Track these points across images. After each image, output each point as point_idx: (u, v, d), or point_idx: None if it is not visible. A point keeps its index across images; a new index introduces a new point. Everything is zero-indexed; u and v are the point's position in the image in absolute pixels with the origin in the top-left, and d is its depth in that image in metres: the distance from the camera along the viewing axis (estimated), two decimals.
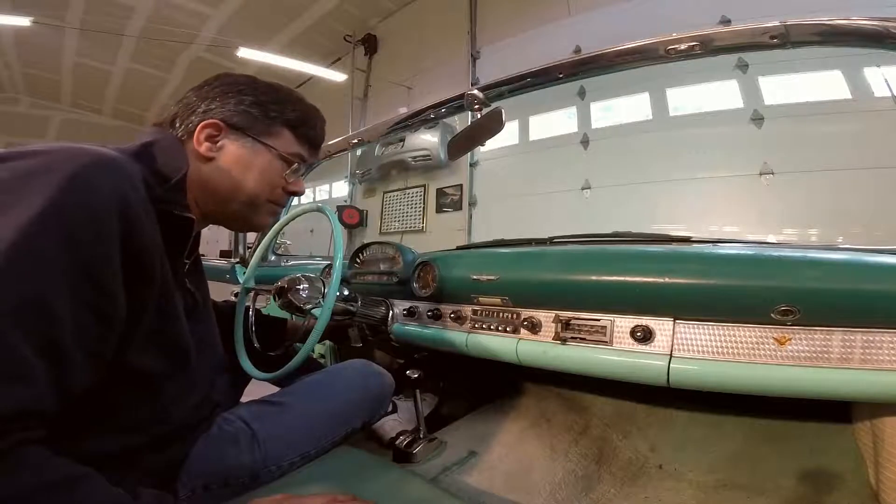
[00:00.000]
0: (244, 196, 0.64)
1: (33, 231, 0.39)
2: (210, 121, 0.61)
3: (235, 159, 0.62)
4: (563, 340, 0.88)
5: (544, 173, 3.54)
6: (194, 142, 0.60)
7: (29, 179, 0.41)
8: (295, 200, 1.75)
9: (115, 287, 0.44)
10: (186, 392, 0.60)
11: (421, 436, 1.04)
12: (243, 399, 0.89)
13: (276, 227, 1.13)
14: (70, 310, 0.41)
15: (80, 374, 0.43)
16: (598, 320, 0.85)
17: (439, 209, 4.25)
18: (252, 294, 0.98)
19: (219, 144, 0.62)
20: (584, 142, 3.32)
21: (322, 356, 1.55)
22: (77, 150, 0.45)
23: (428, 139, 4.06)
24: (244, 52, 4.66)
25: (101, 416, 0.50)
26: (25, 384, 0.38)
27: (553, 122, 3.58)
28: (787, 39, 0.74)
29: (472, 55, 4.16)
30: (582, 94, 3.34)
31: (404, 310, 1.19)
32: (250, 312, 0.93)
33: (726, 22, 2.63)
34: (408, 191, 4.57)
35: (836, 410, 0.94)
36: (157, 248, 0.49)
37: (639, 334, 0.79)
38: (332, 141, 1.51)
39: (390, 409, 1.09)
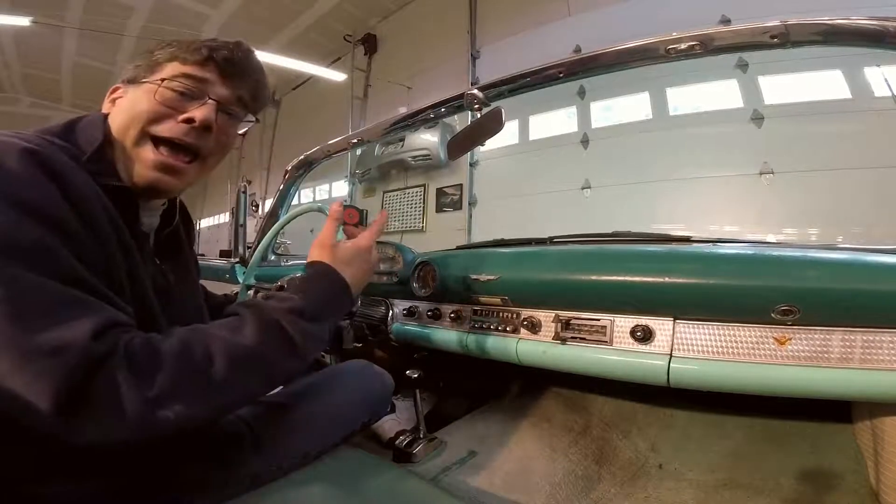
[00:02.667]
0: (118, 141, 0.58)
1: None
2: (114, 86, 0.63)
3: (120, 108, 0.60)
4: (563, 340, 0.88)
5: (544, 173, 3.54)
6: (102, 115, 0.61)
7: None
8: (295, 199, 1.76)
9: (78, 232, 0.46)
10: None
11: (421, 436, 1.04)
12: None
13: (276, 226, 1.13)
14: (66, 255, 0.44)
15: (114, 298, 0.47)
16: (598, 320, 0.85)
17: (439, 209, 4.25)
18: (251, 292, 0.98)
19: (116, 101, 0.62)
20: (584, 141, 3.32)
21: (322, 354, 1.55)
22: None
23: (428, 139, 4.07)
24: None
25: None
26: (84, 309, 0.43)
27: (553, 121, 3.58)
28: (787, 39, 0.74)
29: (471, 55, 4.16)
30: (582, 93, 3.34)
31: (404, 309, 1.19)
32: None
33: (726, 21, 2.63)
34: (408, 190, 4.57)
35: (836, 410, 0.94)
36: (102, 209, 0.50)
37: (639, 334, 0.79)
38: (332, 141, 1.51)
39: (389, 408, 1.09)
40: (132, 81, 0.62)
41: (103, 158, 0.55)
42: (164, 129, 0.58)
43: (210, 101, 0.60)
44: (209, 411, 0.49)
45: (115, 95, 0.63)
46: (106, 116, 0.61)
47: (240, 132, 0.69)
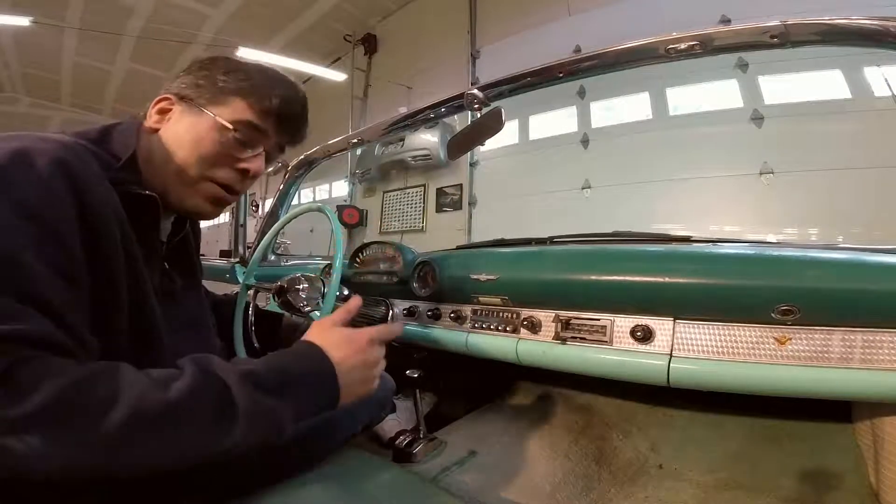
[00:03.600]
0: (174, 166, 0.59)
1: None
2: (163, 96, 0.62)
3: (175, 129, 0.60)
4: (563, 340, 0.88)
5: (544, 173, 3.54)
6: (146, 117, 0.61)
7: None
8: (295, 199, 1.76)
9: (74, 247, 0.44)
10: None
11: (421, 435, 1.04)
12: None
13: (276, 226, 1.13)
14: (38, 266, 0.41)
15: (71, 313, 0.43)
16: (598, 320, 0.85)
17: (439, 209, 4.25)
18: (252, 292, 0.97)
19: (168, 117, 0.61)
20: (584, 141, 3.32)
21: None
22: (22, 133, 0.46)
23: (428, 139, 4.07)
24: (244, 52, 4.65)
25: None
26: (13, 320, 0.38)
27: (553, 121, 3.58)
28: (787, 39, 0.74)
29: (471, 55, 4.16)
30: (582, 93, 3.34)
31: (404, 309, 1.19)
32: (250, 311, 0.93)
33: (726, 21, 2.63)
34: (408, 190, 4.58)
35: (836, 410, 0.94)
36: (114, 222, 0.49)
37: (639, 334, 0.79)
38: (332, 141, 1.51)
39: (389, 408, 1.09)
40: (187, 100, 0.61)
41: (134, 167, 0.56)
42: (222, 175, 0.61)
43: (264, 152, 0.64)
44: (84, 462, 0.38)
45: (163, 107, 0.61)
46: (140, 125, 0.61)
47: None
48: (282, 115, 0.64)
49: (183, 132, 0.60)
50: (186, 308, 0.67)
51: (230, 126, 0.60)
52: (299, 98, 0.66)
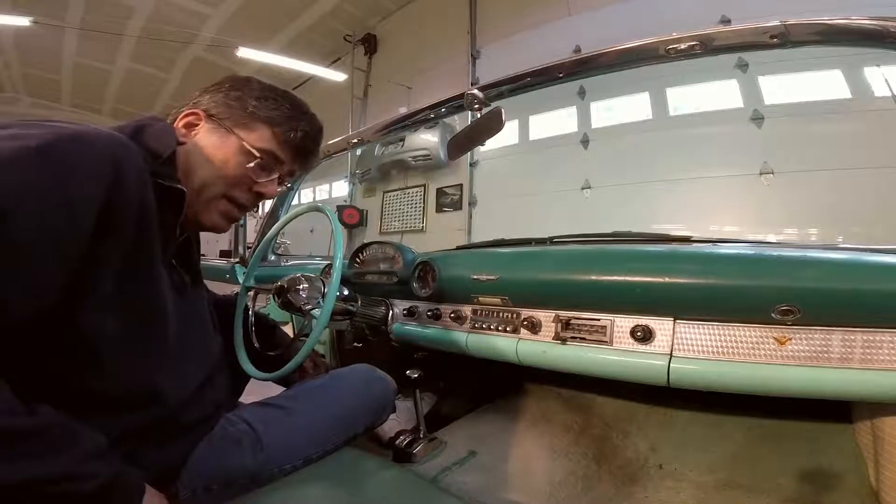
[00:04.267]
0: (198, 182, 0.62)
1: (17, 152, 0.41)
2: (191, 110, 0.64)
3: (203, 146, 0.63)
4: (563, 340, 0.88)
5: (544, 173, 3.53)
6: (174, 128, 0.63)
7: (31, 129, 0.45)
8: (295, 200, 1.75)
9: (85, 222, 0.44)
10: (177, 367, 0.60)
11: (421, 435, 1.04)
12: (243, 399, 0.89)
13: (276, 226, 1.13)
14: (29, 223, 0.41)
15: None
16: (598, 320, 0.85)
17: (439, 209, 4.25)
18: (252, 294, 0.97)
19: (194, 132, 0.63)
20: (584, 141, 3.32)
21: (322, 356, 1.55)
22: (82, 124, 0.48)
23: (428, 139, 4.06)
24: (244, 52, 4.66)
25: (91, 383, 0.50)
26: None
27: (553, 121, 3.58)
28: (787, 39, 0.74)
29: (471, 55, 4.16)
30: (582, 93, 3.34)
31: (404, 310, 1.19)
32: (250, 312, 0.93)
33: (726, 21, 2.63)
34: (408, 190, 4.57)
35: (836, 410, 0.94)
36: (139, 211, 0.50)
37: (639, 334, 0.79)
38: (331, 141, 1.51)
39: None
40: (216, 119, 0.63)
41: (172, 164, 0.58)
42: (239, 195, 0.66)
43: (277, 177, 0.69)
44: None
45: (190, 122, 0.64)
46: (175, 128, 0.63)
47: None
48: (300, 149, 0.69)
49: (211, 150, 0.63)
50: (193, 304, 0.69)
51: (256, 153, 0.64)
52: (318, 132, 0.71)
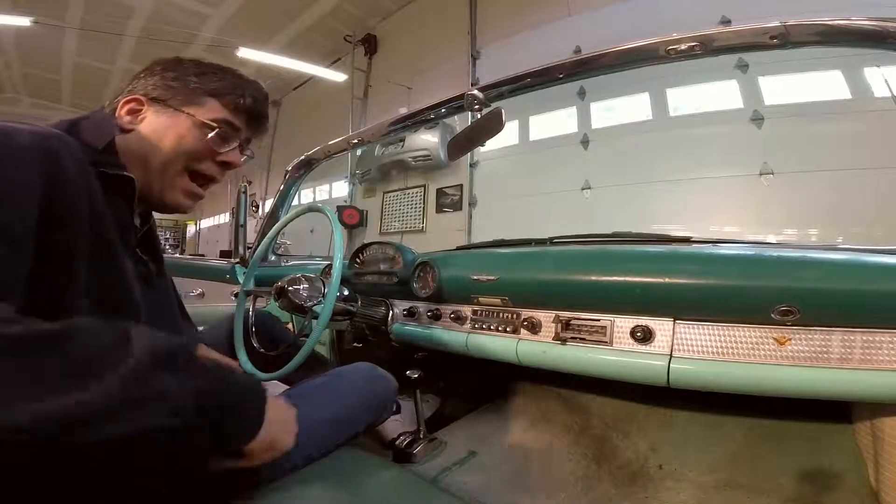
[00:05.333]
0: (158, 163, 0.62)
1: None
2: (131, 97, 0.63)
3: (153, 129, 0.63)
4: (563, 340, 0.88)
5: (544, 173, 3.54)
6: (116, 117, 0.62)
7: None
8: (295, 200, 1.76)
9: (27, 212, 0.43)
10: None
11: (421, 436, 1.04)
12: None
13: (276, 227, 1.13)
14: None
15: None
16: (598, 320, 0.85)
17: (439, 209, 4.25)
18: (252, 296, 0.98)
19: (140, 117, 0.63)
20: (585, 142, 3.32)
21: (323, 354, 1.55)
22: (14, 121, 0.48)
23: (428, 139, 4.07)
24: (244, 52, 4.67)
25: None
26: None
27: (553, 122, 3.58)
28: (787, 40, 0.75)
29: (471, 55, 4.16)
30: (582, 94, 3.34)
31: (404, 310, 1.19)
32: (250, 314, 0.94)
33: (726, 22, 2.63)
34: (408, 191, 4.58)
35: (836, 410, 0.94)
36: (87, 200, 0.50)
37: (639, 334, 0.79)
38: (332, 141, 1.51)
39: (394, 408, 1.09)
40: (160, 101, 0.63)
41: (112, 153, 0.58)
42: (204, 167, 0.66)
43: (239, 146, 0.69)
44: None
45: (133, 108, 0.63)
46: (113, 116, 0.62)
47: None
48: (253, 112, 0.70)
49: (162, 131, 0.63)
50: (160, 293, 0.69)
51: (213, 124, 0.64)
52: (265, 98, 0.72)
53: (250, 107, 0.69)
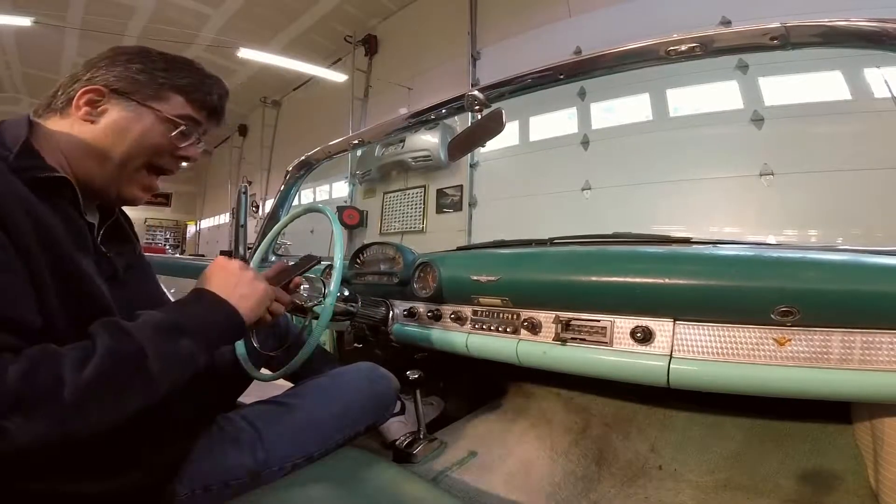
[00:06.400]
0: (118, 158, 0.61)
1: None
2: (91, 87, 0.60)
3: (115, 122, 0.60)
4: (563, 341, 0.88)
5: (544, 174, 3.54)
6: (73, 107, 0.60)
7: None
8: (295, 200, 1.76)
9: None
10: None
11: (421, 436, 1.04)
12: (243, 399, 0.89)
13: (276, 227, 1.14)
14: None
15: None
16: (598, 321, 0.85)
17: (439, 210, 4.25)
18: None
19: (100, 109, 0.60)
20: (585, 142, 3.32)
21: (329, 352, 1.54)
22: None
23: (428, 140, 4.07)
24: (244, 53, 4.67)
25: None
26: None
27: (553, 122, 3.59)
28: (788, 41, 0.75)
29: (472, 56, 4.16)
30: (582, 94, 3.34)
31: (404, 310, 1.19)
32: None
33: (726, 23, 2.64)
34: (408, 191, 4.58)
35: (836, 410, 0.94)
36: (19, 209, 0.48)
37: (639, 335, 0.79)
38: (332, 141, 1.51)
39: (398, 409, 1.08)
40: (125, 95, 0.61)
41: (32, 154, 0.55)
42: (165, 162, 0.66)
43: (199, 140, 0.69)
44: (59, 433, 0.43)
45: (91, 98, 0.60)
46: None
47: None
48: (217, 109, 0.70)
49: (125, 124, 0.61)
50: (132, 287, 0.67)
51: (178, 121, 0.64)
52: (227, 91, 0.73)
53: (215, 104, 0.69)
